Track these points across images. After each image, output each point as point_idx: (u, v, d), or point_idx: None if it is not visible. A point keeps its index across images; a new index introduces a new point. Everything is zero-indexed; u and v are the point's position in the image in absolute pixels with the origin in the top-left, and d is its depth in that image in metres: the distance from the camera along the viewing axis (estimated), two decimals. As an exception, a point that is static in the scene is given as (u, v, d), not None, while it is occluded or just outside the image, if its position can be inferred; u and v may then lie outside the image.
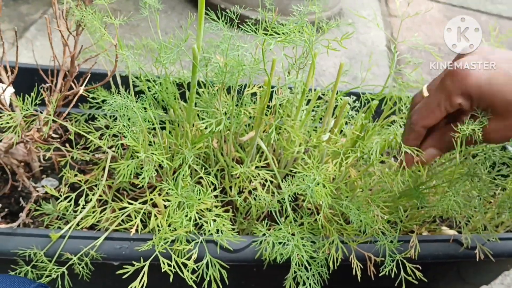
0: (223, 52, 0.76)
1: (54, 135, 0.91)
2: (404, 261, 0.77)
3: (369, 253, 0.77)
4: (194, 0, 2.39)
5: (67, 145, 0.93)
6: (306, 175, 0.72)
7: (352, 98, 0.95)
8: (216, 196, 0.84)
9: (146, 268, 0.69)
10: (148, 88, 0.90)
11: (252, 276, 0.85)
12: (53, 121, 0.80)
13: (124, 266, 0.68)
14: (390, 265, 0.75)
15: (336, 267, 0.74)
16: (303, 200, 0.76)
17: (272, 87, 0.91)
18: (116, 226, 0.76)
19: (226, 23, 0.79)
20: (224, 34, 0.75)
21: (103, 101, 0.93)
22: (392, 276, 0.75)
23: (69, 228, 0.74)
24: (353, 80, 0.97)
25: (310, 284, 0.72)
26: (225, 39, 0.76)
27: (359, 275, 0.74)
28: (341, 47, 0.70)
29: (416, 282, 0.76)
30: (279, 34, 0.64)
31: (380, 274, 0.75)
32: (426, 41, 2.24)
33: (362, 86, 0.95)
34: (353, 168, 0.85)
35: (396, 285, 0.76)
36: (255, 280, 0.88)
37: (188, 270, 0.69)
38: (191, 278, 0.69)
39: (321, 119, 0.98)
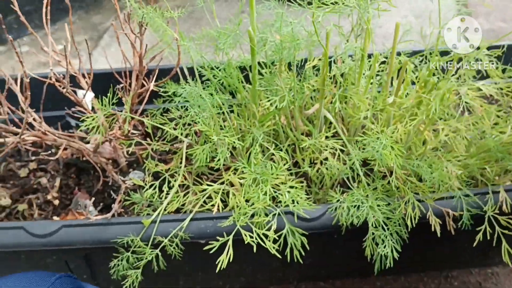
0: (278, 30, 0.79)
1: (134, 131, 0.98)
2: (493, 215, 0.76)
3: (447, 208, 0.76)
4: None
5: (147, 138, 1.00)
6: (373, 141, 0.73)
7: (419, 58, 0.94)
8: (289, 169, 0.87)
9: (230, 242, 0.73)
10: (214, 75, 0.94)
11: (334, 243, 0.88)
12: (131, 117, 0.86)
13: (210, 243, 0.73)
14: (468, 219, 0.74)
15: (414, 225, 0.75)
16: (375, 165, 0.77)
17: (330, 57, 0.92)
18: (199, 207, 0.82)
19: (278, 1, 0.81)
20: (276, 12, 0.77)
21: (174, 94, 0.99)
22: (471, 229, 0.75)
23: (158, 213, 0.81)
24: (423, 38, 0.94)
25: (389, 243, 0.74)
26: (277, 17, 0.79)
27: (438, 230, 0.74)
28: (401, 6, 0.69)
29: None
30: (327, 5, 0.65)
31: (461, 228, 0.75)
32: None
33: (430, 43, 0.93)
34: (422, 126, 0.84)
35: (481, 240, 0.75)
36: (338, 248, 0.91)
37: (269, 241, 0.73)
38: (274, 248, 0.72)
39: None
